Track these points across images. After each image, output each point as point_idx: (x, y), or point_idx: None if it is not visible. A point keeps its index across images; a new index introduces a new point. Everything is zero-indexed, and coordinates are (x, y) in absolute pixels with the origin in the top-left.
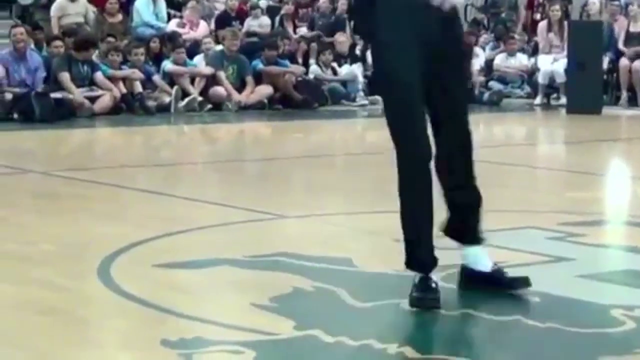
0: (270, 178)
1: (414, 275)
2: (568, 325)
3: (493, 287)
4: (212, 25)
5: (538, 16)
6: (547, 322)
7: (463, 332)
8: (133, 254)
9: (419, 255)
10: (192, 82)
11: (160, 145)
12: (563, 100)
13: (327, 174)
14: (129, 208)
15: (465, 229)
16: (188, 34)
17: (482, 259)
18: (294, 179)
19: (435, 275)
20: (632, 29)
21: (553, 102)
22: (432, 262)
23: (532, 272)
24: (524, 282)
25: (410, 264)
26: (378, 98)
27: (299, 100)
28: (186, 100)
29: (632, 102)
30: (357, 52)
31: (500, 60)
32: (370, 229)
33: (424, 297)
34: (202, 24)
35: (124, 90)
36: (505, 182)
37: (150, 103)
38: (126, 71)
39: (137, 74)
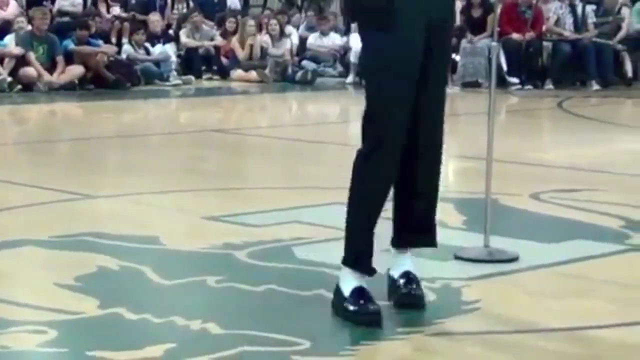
0: (80, 159)
1: (341, 276)
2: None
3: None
4: (24, 5)
5: None
6: None
7: (266, 307)
8: None
9: (361, 254)
10: (1, 62)
11: None
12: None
13: (138, 154)
14: None
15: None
16: None
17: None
18: (105, 159)
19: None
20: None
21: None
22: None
23: (336, 247)
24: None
25: (350, 261)
26: (191, 78)
27: (111, 80)
28: None
29: None
30: (171, 32)
31: (313, 39)
32: (178, 207)
33: (366, 311)
34: (12, 3)
35: None
36: (318, 159)
37: None
38: None
39: None
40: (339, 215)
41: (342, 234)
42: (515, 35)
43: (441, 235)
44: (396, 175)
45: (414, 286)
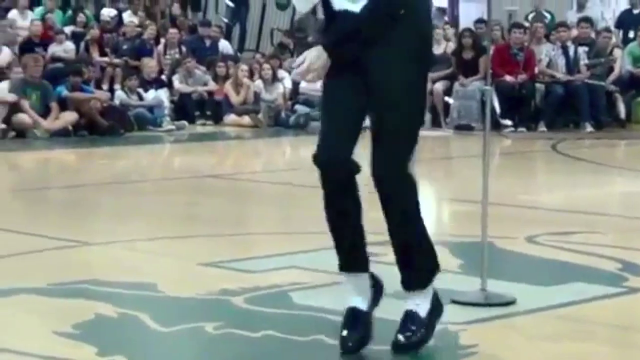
0: (75, 205)
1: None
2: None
3: None
4: (17, 52)
5: None
6: None
7: (264, 353)
8: None
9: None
10: None
11: None
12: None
13: (133, 200)
14: None
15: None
16: None
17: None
18: (99, 205)
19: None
20: (435, 52)
21: None
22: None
23: (332, 292)
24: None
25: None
26: (185, 123)
27: (105, 127)
28: None
29: (435, 123)
30: (164, 77)
31: (306, 83)
32: (175, 253)
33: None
34: (5, 50)
35: None
36: (313, 204)
37: None
38: None
39: None
40: (335, 260)
41: (338, 278)
42: (508, 78)
43: (437, 278)
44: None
45: (403, 333)
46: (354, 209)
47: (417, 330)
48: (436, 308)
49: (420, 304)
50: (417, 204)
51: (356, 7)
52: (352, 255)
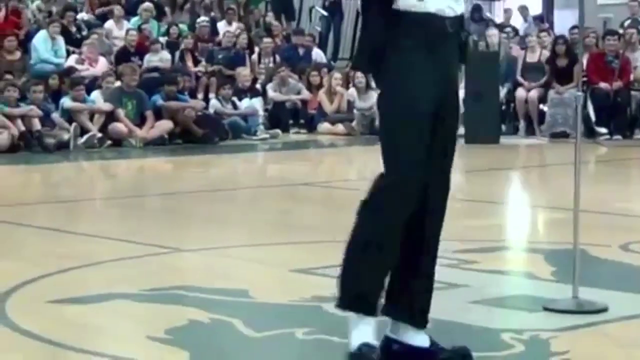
0: (169, 213)
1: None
2: None
3: None
4: (112, 61)
5: None
6: None
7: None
8: (28, 290)
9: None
10: (91, 118)
11: (60, 183)
12: (461, 130)
13: (226, 208)
14: (24, 245)
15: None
16: (87, 70)
17: (419, 332)
18: (193, 213)
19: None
20: (529, 60)
21: None
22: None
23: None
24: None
25: (345, 302)
26: (279, 131)
27: (200, 135)
28: (85, 137)
29: (529, 131)
30: (258, 86)
31: None
32: (267, 260)
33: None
34: (102, 60)
35: (22, 128)
36: None
37: (49, 141)
38: (23, 109)
39: (35, 111)
40: None
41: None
42: (602, 85)
43: (530, 286)
44: None
45: None
46: None
47: None
48: None
49: None
50: None
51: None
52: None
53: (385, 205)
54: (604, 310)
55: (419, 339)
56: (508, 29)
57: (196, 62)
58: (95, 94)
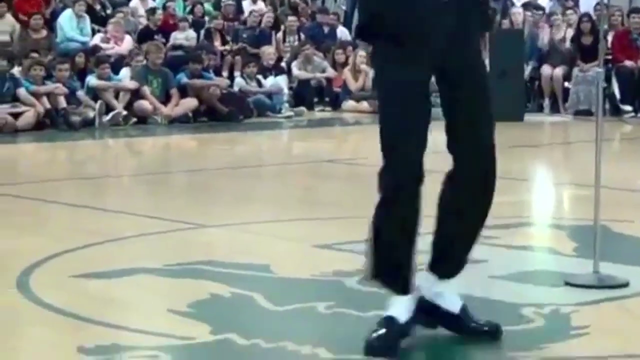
0: (194, 189)
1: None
2: None
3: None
4: (136, 40)
5: None
6: None
7: None
8: (52, 265)
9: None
10: (117, 96)
11: (85, 160)
12: None
13: (251, 184)
14: (50, 221)
15: (447, 259)
16: (113, 48)
17: (452, 296)
18: (218, 189)
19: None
20: (555, 37)
21: None
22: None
23: None
24: (493, 332)
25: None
26: (303, 109)
27: (224, 113)
28: (111, 114)
29: (554, 109)
30: (283, 64)
31: None
32: (289, 236)
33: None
34: (127, 38)
35: (48, 106)
36: (431, 187)
37: (75, 118)
38: (49, 86)
39: (60, 89)
40: None
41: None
42: (628, 63)
43: (552, 261)
44: None
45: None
46: None
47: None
48: None
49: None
50: None
51: None
52: None
53: (388, 206)
54: (624, 285)
55: (452, 302)
56: (535, 10)
57: (224, 42)
58: (124, 72)
